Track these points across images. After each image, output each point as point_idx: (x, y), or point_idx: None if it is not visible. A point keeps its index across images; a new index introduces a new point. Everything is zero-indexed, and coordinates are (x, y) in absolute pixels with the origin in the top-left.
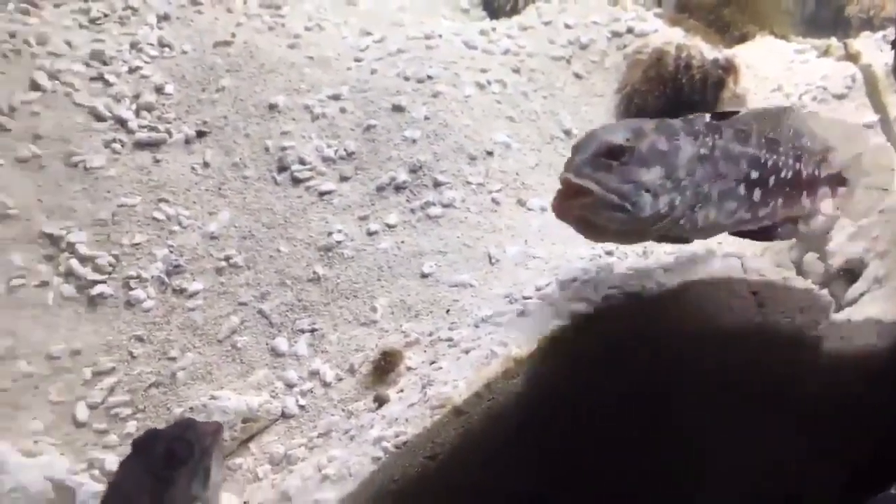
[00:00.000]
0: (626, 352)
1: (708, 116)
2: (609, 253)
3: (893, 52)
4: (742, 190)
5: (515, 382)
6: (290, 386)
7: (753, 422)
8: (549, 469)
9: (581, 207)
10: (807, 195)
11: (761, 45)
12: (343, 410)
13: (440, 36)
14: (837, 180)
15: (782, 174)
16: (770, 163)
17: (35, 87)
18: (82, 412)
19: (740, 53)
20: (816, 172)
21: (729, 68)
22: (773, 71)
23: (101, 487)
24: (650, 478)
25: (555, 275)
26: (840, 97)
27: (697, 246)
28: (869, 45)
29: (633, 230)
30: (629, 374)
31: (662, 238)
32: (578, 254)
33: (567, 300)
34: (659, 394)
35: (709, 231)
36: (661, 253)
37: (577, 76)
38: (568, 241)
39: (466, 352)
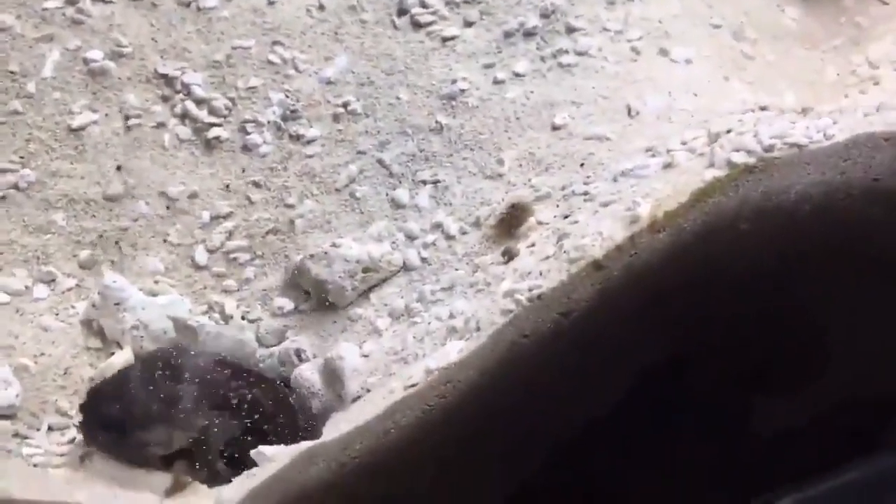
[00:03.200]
0: (787, 209)
1: None
2: (763, 108)
3: None
4: None
5: (661, 238)
6: (411, 238)
7: None
8: (691, 333)
9: None
10: None
11: None
12: (468, 264)
13: None
14: None
15: None
16: None
17: None
18: (201, 255)
19: None
20: None
21: None
22: None
23: (222, 329)
24: (788, 353)
25: (705, 126)
26: None
27: (868, 101)
28: None
29: None
30: (789, 234)
31: None
32: (728, 108)
33: (723, 150)
34: (814, 258)
35: None
36: (822, 110)
37: None
38: (717, 95)
39: (605, 205)
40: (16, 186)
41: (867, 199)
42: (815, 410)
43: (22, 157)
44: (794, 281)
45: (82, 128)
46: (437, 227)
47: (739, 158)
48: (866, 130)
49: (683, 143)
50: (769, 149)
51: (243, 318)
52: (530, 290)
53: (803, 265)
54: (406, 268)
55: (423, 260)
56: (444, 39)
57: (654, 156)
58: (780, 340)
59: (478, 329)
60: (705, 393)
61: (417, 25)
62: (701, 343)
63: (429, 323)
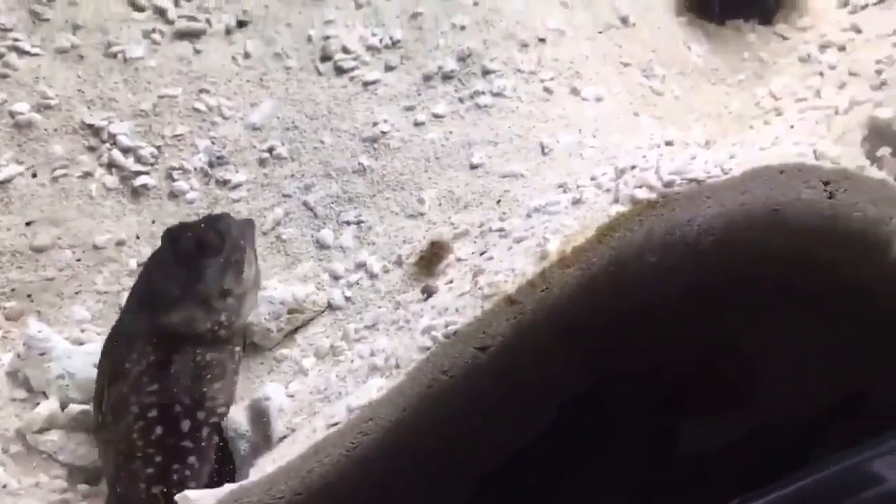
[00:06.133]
0: (691, 241)
1: None
2: (669, 143)
3: None
4: None
5: (571, 272)
6: (336, 278)
7: (813, 321)
8: (608, 364)
9: None
10: None
11: None
12: (390, 302)
13: None
14: None
15: None
16: None
17: None
18: None
19: None
20: None
21: None
22: None
23: None
24: (704, 380)
25: (613, 162)
26: None
27: (764, 134)
28: None
29: None
30: (690, 266)
31: None
32: (636, 143)
33: (626, 186)
34: (720, 288)
35: None
36: (726, 143)
37: None
38: (626, 132)
39: (518, 241)
40: None
41: (768, 228)
42: (745, 431)
43: None
44: (704, 310)
45: (8, 180)
46: (361, 266)
47: (642, 194)
48: (762, 163)
49: (593, 179)
50: (669, 184)
51: None
52: (447, 325)
53: (710, 294)
54: (331, 307)
55: (347, 299)
56: (366, 84)
57: (565, 192)
58: (699, 366)
59: (397, 366)
60: (627, 419)
61: (340, 71)
62: (618, 372)
63: (352, 361)
